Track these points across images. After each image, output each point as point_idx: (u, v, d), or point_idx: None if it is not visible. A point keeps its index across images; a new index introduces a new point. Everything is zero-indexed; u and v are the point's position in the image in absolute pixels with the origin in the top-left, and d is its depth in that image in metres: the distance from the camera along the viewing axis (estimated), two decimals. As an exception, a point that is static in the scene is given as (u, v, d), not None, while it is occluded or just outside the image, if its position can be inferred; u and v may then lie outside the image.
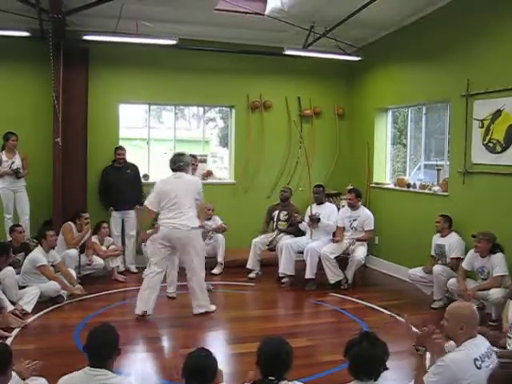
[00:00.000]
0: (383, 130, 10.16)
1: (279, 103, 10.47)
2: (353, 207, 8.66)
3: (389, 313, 7.10)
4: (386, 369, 3.24)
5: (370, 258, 9.63)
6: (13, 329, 6.10)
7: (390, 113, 10.18)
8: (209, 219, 9.25)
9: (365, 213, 8.63)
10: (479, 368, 3.48)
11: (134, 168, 9.46)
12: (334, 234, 8.80)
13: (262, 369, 3.30)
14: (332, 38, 9.09)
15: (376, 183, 10.01)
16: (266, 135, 10.31)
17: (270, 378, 3.23)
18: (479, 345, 3.66)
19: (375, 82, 10.10)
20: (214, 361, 3.35)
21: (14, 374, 3.39)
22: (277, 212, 9.26)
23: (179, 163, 6.92)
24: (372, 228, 8.63)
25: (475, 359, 3.52)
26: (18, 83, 9.21)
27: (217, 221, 9.46)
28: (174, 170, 6.94)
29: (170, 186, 6.81)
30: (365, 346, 3.23)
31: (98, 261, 8.54)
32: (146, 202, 7.00)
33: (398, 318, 6.83)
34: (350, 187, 9.44)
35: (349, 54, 9.78)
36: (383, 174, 10.19)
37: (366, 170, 10.11)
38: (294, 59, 9.86)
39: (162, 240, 6.81)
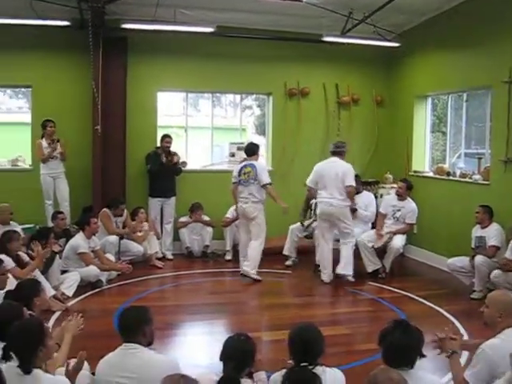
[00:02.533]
0: (422, 117, 10.00)
1: (317, 90, 10.40)
2: (400, 197, 8.57)
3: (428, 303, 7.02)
4: (423, 356, 3.22)
5: (408, 247, 9.52)
6: (54, 312, 6.24)
7: (429, 100, 10.01)
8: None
9: (410, 205, 8.54)
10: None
11: (175, 156, 9.48)
12: (374, 223, 8.75)
13: (294, 356, 3.31)
14: (370, 24, 8.97)
15: (415, 171, 9.87)
16: (304, 122, 10.26)
17: (303, 364, 3.24)
18: None
19: (414, 68, 9.95)
20: (252, 345, 3.37)
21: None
22: (315, 200, 9.20)
23: (338, 149, 8.13)
24: (414, 222, 8.58)
25: (515, 350, 3.46)
26: (58, 72, 9.39)
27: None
28: (333, 154, 8.16)
29: (325, 169, 8.04)
30: (398, 335, 3.21)
31: (137, 247, 8.63)
32: (307, 181, 8.19)
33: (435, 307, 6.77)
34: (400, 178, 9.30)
35: (387, 40, 9.66)
36: (422, 162, 10.04)
37: (405, 158, 9.99)
38: (333, 46, 9.76)
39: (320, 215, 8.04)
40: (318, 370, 3.22)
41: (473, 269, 7.21)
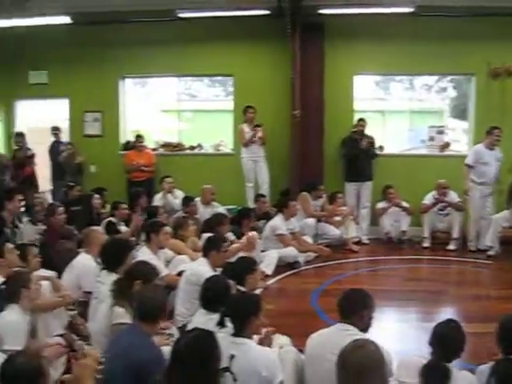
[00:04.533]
0: None
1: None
2: None
3: None
4: None
5: None
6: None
7: None
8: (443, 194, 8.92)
9: None
10: None
11: (371, 140, 9.37)
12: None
13: (503, 348, 3.12)
14: None
15: None
16: (510, 104, 9.51)
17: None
18: None
19: None
20: (461, 334, 3.22)
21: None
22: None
23: None
24: None
25: None
26: (257, 60, 9.76)
27: (453, 197, 9.05)
28: None
29: None
30: None
31: (334, 230, 8.68)
32: None
33: None
34: None
35: None
36: None
37: None
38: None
39: None
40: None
41: None
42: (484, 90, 9.64)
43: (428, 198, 8.95)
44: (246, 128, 9.00)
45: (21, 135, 9.54)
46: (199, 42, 9.82)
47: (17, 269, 4.58)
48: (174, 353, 2.77)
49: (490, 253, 8.46)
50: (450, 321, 3.33)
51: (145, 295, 3.52)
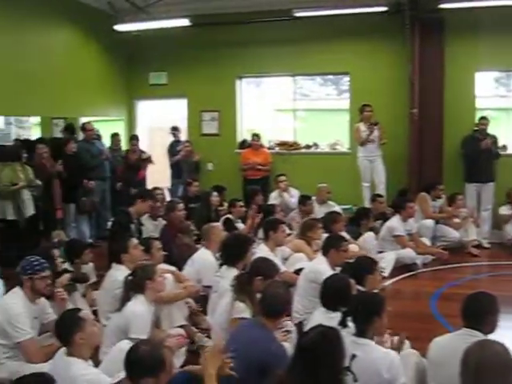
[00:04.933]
0: None
1: None
2: None
3: None
4: None
5: None
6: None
7: None
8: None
9: None
10: None
11: (494, 139, 8.95)
12: None
13: None
14: None
15: None
16: None
17: None
18: None
19: None
20: None
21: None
22: None
23: None
24: None
25: None
26: (374, 57, 9.67)
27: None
28: None
29: None
30: None
31: (453, 233, 8.39)
32: None
33: None
34: None
35: None
36: None
37: None
38: None
39: None
40: None
41: None
42: None
43: (504, 210, 8.60)
44: (362, 127, 8.88)
45: (135, 138, 9.83)
46: (315, 40, 9.88)
47: (143, 262, 4.81)
48: (298, 348, 2.79)
49: None
50: None
51: (269, 291, 3.57)
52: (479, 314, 3.35)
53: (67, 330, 3.27)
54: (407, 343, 3.93)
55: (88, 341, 3.29)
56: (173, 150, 10.46)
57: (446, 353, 3.27)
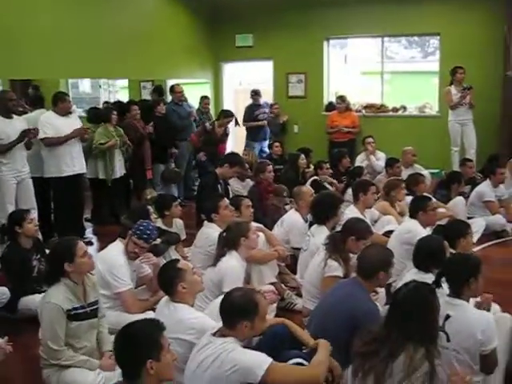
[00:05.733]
0: None
1: None
2: None
3: None
4: None
5: None
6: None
7: None
8: None
9: None
10: None
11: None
12: None
13: None
14: None
15: None
16: None
17: None
18: None
19: None
20: None
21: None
22: None
23: None
24: None
25: None
26: (465, 17, 9.43)
27: None
28: None
29: None
30: None
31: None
32: None
33: None
34: None
35: None
36: None
37: None
38: None
39: None
40: None
41: None
42: None
43: None
44: (453, 90, 8.65)
45: (230, 114, 8.94)
46: (404, 0, 9.60)
47: (236, 219, 4.94)
48: (392, 302, 2.86)
49: None
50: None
51: (367, 252, 3.62)
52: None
53: (169, 281, 3.44)
54: (497, 308, 3.89)
55: (190, 289, 3.45)
56: (250, 113, 10.33)
57: None
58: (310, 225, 5.32)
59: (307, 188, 6.24)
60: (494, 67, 9.01)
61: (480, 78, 9.01)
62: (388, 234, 5.35)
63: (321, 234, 4.70)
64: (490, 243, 7.01)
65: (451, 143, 8.77)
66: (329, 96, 10.70)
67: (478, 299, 3.59)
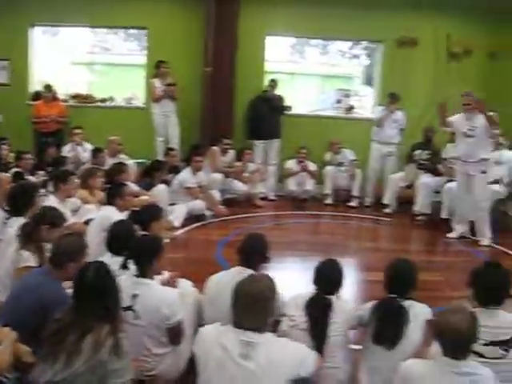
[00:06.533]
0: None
1: (427, 40, 9.89)
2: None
3: None
4: (510, 296, 3.28)
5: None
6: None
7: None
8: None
9: None
10: None
11: (281, 99, 9.64)
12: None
13: (386, 288, 3.48)
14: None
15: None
16: (412, 72, 9.92)
17: (392, 295, 3.41)
18: None
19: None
20: (340, 270, 3.60)
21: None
22: (419, 151, 9.08)
23: None
24: None
25: None
26: (172, 14, 9.70)
27: (347, 155, 9.67)
28: None
29: None
30: (489, 274, 3.29)
31: (241, 186, 8.95)
32: None
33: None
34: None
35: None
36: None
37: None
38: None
39: None
40: (406, 303, 3.36)
41: None
42: (390, 57, 10.05)
43: (290, 164, 9.46)
44: (157, 83, 8.98)
45: None
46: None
47: None
48: (76, 284, 2.94)
49: (388, 210, 9.02)
50: (329, 260, 3.67)
51: (59, 242, 3.58)
52: (251, 252, 3.78)
53: None
54: (189, 284, 4.21)
55: None
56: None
57: (220, 288, 3.63)
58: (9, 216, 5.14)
59: (5, 176, 6.02)
60: (195, 62, 9.49)
61: (184, 73, 9.42)
62: (88, 222, 5.43)
63: (17, 224, 4.58)
64: (191, 226, 7.56)
65: (156, 134, 9.13)
66: (34, 85, 10.27)
67: (162, 277, 3.85)
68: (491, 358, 3.08)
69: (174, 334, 3.47)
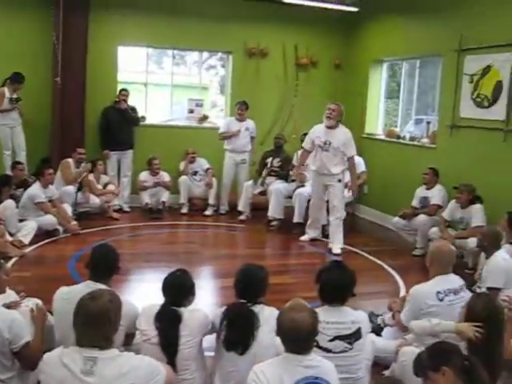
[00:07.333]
0: (377, 81, 10.25)
1: (276, 51, 10.44)
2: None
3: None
4: (354, 295, 3.54)
5: (358, 206, 9.96)
6: (11, 258, 6.41)
7: (384, 65, 10.24)
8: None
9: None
10: (441, 300, 3.85)
11: (133, 110, 9.60)
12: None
13: (237, 293, 3.60)
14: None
15: (367, 134, 10.17)
16: (262, 82, 10.35)
17: (242, 301, 3.54)
18: (450, 281, 4.01)
19: (371, 33, 10.12)
20: (188, 279, 3.64)
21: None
22: (270, 159, 9.43)
23: None
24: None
25: (438, 292, 3.88)
26: (17, 24, 9.21)
27: (202, 164, 9.88)
28: None
29: None
30: (333, 273, 3.53)
31: (94, 199, 8.75)
32: None
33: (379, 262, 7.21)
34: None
35: (347, 5, 9.81)
36: (375, 125, 10.33)
37: (359, 120, 10.21)
38: (293, 7, 9.81)
39: None
40: (257, 307, 3.50)
41: (404, 219, 7.84)
42: (240, 67, 10.38)
43: (144, 176, 9.49)
44: (7, 93, 8.55)
45: None
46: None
47: None
48: None
49: (242, 217, 9.28)
50: (177, 270, 3.69)
51: None
52: (99, 265, 3.74)
53: None
54: (39, 302, 4.04)
55: None
56: None
57: (67, 303, 3.42)
58: None
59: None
60: (45, 73, 9.16)
61: (34, 84, 9.03)
62: None
63: None
64: (43, 242, 7.31)
65: (2, 147, 8.70)
66: None
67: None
68: (338, 353, 3.32)
69: (23, 358, 3.26)
